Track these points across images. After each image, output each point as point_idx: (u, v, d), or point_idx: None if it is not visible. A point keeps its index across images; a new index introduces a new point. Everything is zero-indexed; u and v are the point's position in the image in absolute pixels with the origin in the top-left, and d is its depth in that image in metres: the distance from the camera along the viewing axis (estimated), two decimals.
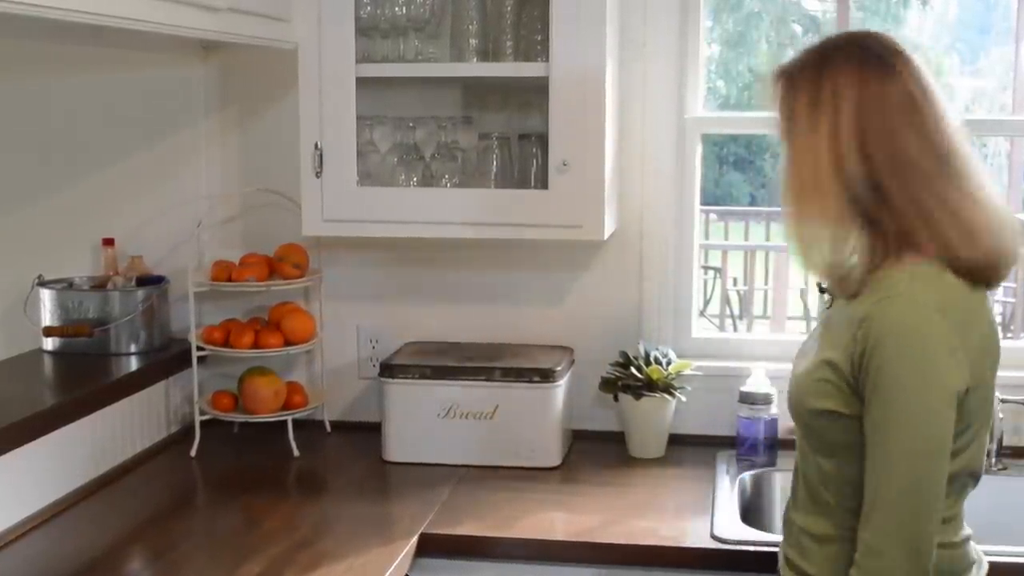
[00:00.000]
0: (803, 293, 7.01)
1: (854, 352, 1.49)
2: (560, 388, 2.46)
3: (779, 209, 1.64)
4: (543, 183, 2.40)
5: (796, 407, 1.65)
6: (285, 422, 2.56)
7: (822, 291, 1.70)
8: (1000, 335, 1.63)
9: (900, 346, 1.44)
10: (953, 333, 1.48)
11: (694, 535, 2.09)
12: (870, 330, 1.46)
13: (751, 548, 2.00)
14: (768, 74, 1.61)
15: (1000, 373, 2.49)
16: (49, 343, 2.65)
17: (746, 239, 7.85)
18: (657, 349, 2.56)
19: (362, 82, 2.40)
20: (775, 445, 2.47)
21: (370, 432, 2.58)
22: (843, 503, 1.59)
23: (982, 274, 1.54)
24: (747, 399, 2.49)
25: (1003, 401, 2.39)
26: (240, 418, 2.58)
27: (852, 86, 1.51)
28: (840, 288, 1.56)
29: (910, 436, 1.45)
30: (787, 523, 1.74)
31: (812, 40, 1.63)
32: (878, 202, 1.50)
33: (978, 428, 1.58)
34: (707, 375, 2.56)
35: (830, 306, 1.66)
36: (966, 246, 1.51)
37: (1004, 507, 2.33)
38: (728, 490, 2.29)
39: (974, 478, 1.61)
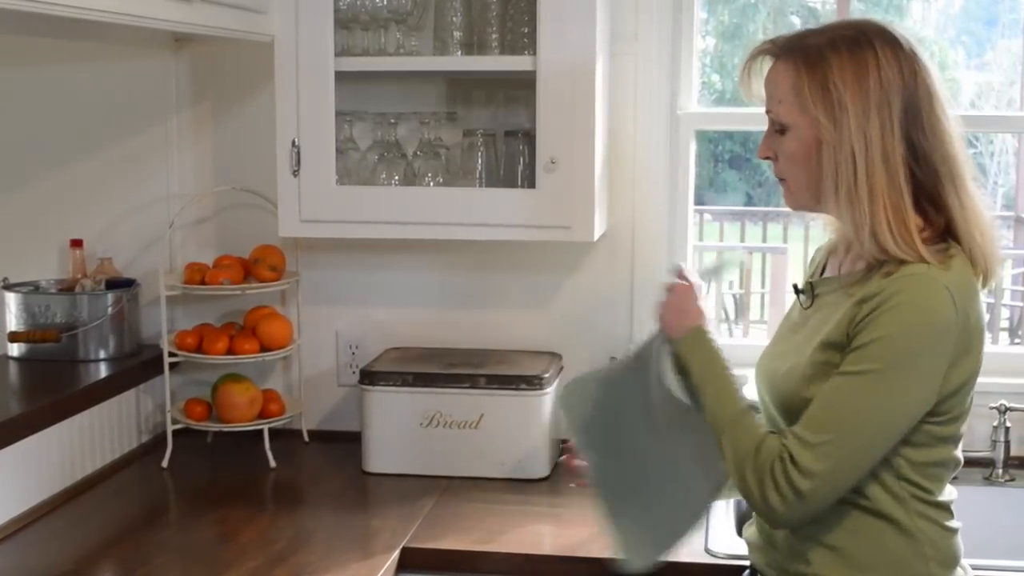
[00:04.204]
0: None
1: (851, 321, 1.51)
2: (548, 396, 2.44)
3: (777, 209, 1.68)
4: (530, 182, 2.39)
5: (791, 401, 1.61)
6: (261, 431, 2.54)
7: (798, 292, 1.70)
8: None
9: (908, 315, 1.48)
10: (962, 329, 1.51)
11: (688, 549, 2.03)
12: (881, 299, 1.48)
13: (746, 562, 1.93)
14: (763, 49, 1.60)
15: (1007, 380, 2.46)
16: (14, 349, 2.63)
17: (742, 240, 7.88)
18: None
19: (341, 76, 2.39)
20: None
21: (349, 442, 2.56)
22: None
23: (990, 272, 1.60)
24: None
25: (1010, 410, 2.37)
26: (214, 427, 2.56)
27: (898, 73, 1.54)
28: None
29: (886, 406, 1.49)
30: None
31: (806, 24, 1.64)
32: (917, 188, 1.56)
33: (967, 416, 1.63)
34: None
35: (808, 306, 1.67)
36: (984, 243, 1.57)
37: (1012, 521, 2.31)
38: (722, 503, 2.24)
39: (959, 464, 1.67)
